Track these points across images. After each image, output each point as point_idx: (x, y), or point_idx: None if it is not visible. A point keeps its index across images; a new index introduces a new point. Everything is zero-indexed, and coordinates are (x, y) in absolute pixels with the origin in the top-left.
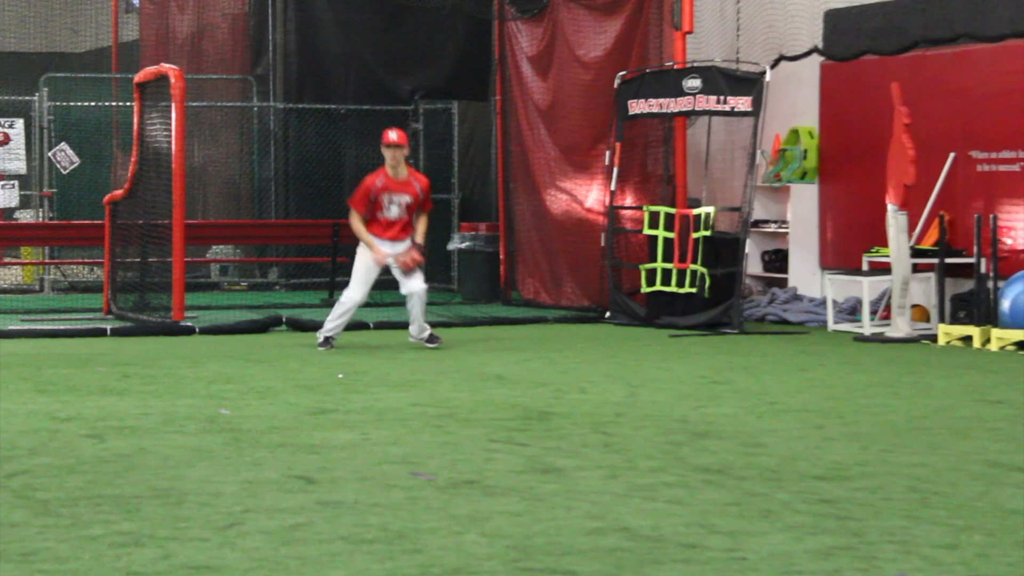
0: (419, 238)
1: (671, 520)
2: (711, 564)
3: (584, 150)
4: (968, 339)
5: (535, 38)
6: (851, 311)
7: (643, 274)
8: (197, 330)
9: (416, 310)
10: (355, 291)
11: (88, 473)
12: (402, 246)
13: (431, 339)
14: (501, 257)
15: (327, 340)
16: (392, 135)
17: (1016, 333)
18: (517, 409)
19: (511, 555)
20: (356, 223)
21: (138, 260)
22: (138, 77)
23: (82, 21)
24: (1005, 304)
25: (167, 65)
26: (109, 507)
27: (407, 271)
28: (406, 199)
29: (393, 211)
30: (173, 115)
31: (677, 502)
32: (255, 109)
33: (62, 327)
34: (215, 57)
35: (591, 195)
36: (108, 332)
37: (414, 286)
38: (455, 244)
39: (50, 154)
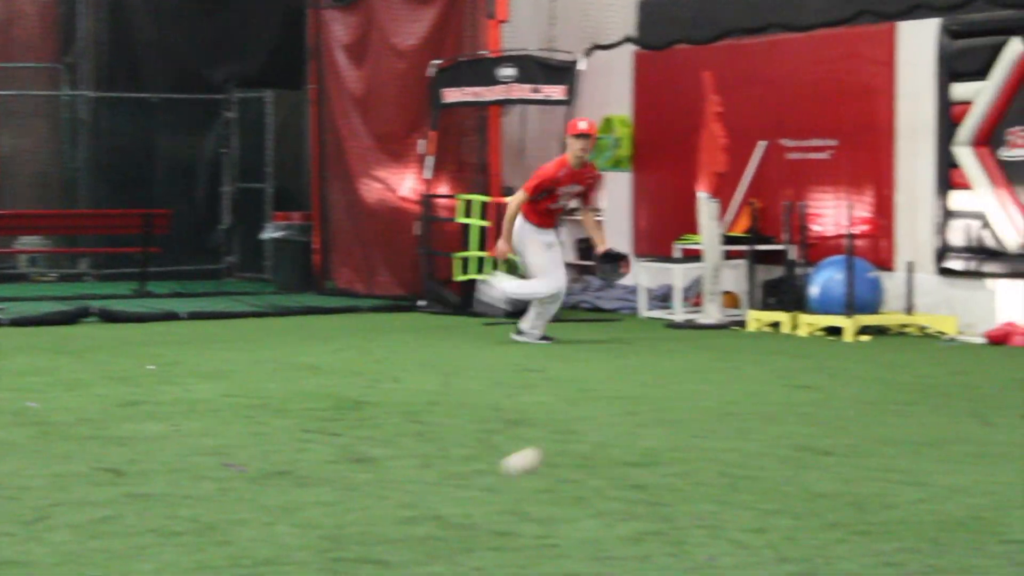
0: (599, 239)
1: (484, 508)
2: (523, 552)
3: (399, 139)
4: (777, 325)
5: (350, 27)
6: (663, 298)
7: (457, 263)
8: (5, 321)
9: (554, 309)
10: (556, 279)
11: None
12: (551, 234)
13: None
14: (315, 246)
15: (546, 338)
16: (583, 124)
17: (824, 319)
18: (330, 399)
19: (323, 545)
20: (513, 208)
21: None
22: None
23: None
24: (814, 290)
25: None
26: None
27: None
28: (577, 189)
29: (562, 202)
30: None
31: (490, 490)
32: (65, 98)
33: None
34: (24, 45)
35: (405, 184)
36: None
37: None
38: (268, 233)
39: None
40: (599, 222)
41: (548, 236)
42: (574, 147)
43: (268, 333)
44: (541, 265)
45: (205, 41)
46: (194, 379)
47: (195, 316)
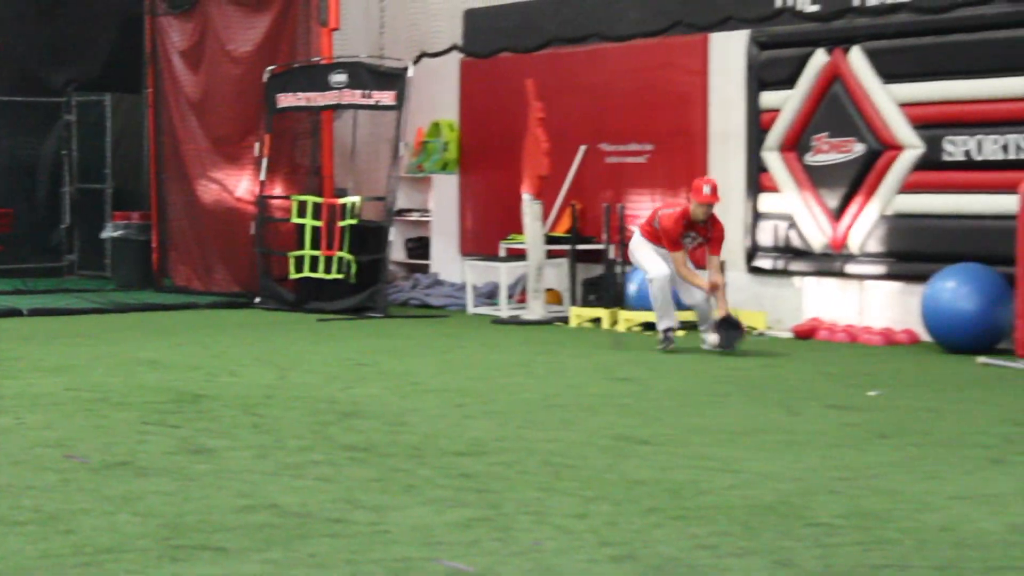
0: (725, 300)
1: (318, 496)
2: (356, 538)
3: (234, 142)
4: (598, 320)
5: (186, 33)
6: (489, 295)
7: (292, 261)
8: None
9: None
10: (660, 267)
11: None
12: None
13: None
14: (153, 245)
15: (669, 331)
16: (707, 189)
17: (642, 315)
18: (170, 392)
19: (163, 533)
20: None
21: None
22: None
23: None
24: (632, 287)
25: None
26: None
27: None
28: (699, 238)
29: (687, 241)
30: None
31: (324, 479)
32: None
33: None
34: None
35: (241, 185)
36: None
37: (697, 297)
38: (108, 233)
39: None
40: (723, 285)
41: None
42: (696, 211)
43: (109, 329)
44: (644, 260)
45: (44, 45)
46: (36, 373)
47: (37, 312)
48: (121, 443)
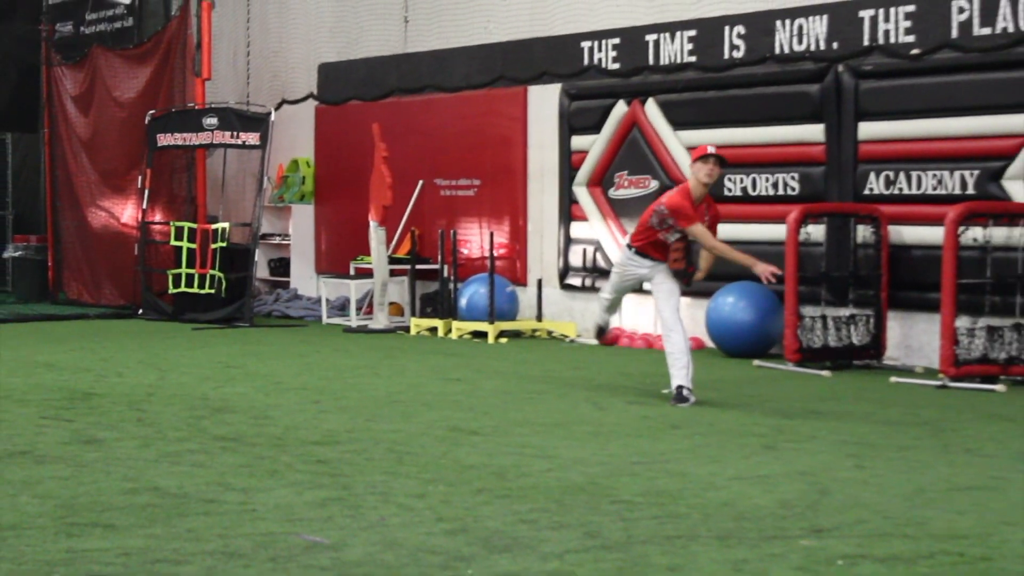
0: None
1: (194, 480)
2: (227, 515)
3: (120, 175)
4: (434, 330)
5: (78, 81)
6: (341, 307)
7: (170, 278)
8: None
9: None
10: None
11: None
12: (646, 269)
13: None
14: (49, 264)
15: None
16: (711, 148)
17: (471, 324)
18: (64, 391)
19: (59, 512)
20: (704, 235)
21: None
22: None
23: None
24: (463, 301)
25: None
26: None
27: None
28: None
29: (670, 236)
30: None
31: (199, 465)
32: None
33: None
34: None
35: (126, 212)
36: None
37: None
38: (9, 253)
39: None
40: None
41: (641, 271)
42: (699, 172)
43: (9, 336)
44: (664, 306)
45: None
46: None
47: None
48: (21, 435)
